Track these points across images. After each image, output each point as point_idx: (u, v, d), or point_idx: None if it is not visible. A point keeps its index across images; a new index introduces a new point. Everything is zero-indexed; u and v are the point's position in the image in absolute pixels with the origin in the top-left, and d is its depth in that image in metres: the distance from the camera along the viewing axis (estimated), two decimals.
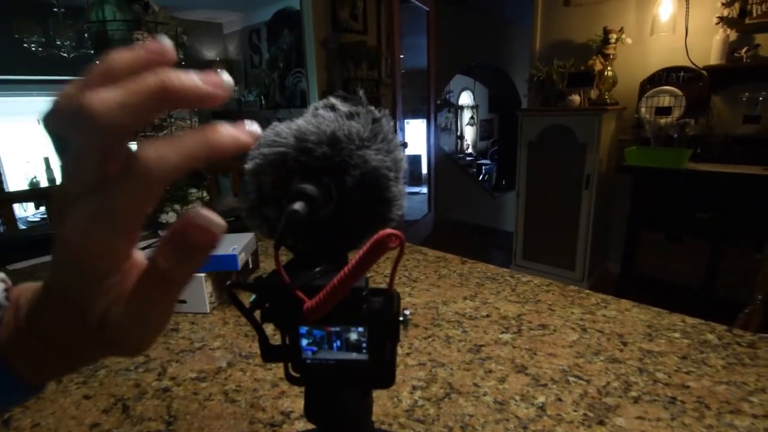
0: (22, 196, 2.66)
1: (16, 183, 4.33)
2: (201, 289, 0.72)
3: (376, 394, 0.50)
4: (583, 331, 0.64)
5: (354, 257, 0.22)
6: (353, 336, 0.27)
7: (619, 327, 0.65)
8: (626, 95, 2.75)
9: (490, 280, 0.83)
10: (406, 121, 4.66)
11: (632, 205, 2.52)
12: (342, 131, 0.25)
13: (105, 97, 0.16)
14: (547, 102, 2.93)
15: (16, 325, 0.23)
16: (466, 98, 8.39)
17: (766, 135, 2.27)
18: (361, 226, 0.27)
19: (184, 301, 0.73)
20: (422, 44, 4.31)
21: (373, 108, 0.28)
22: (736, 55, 2.27)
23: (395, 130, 0.29)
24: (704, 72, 2.42)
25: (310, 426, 0.31)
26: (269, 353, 0.29)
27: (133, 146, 0.18)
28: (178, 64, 0.18)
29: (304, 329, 0.27)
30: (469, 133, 8.61)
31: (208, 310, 0.73)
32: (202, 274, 0.72)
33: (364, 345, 0.27)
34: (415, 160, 6.12)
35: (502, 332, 0.65)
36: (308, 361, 0.28)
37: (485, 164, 8.05)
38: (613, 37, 2.59)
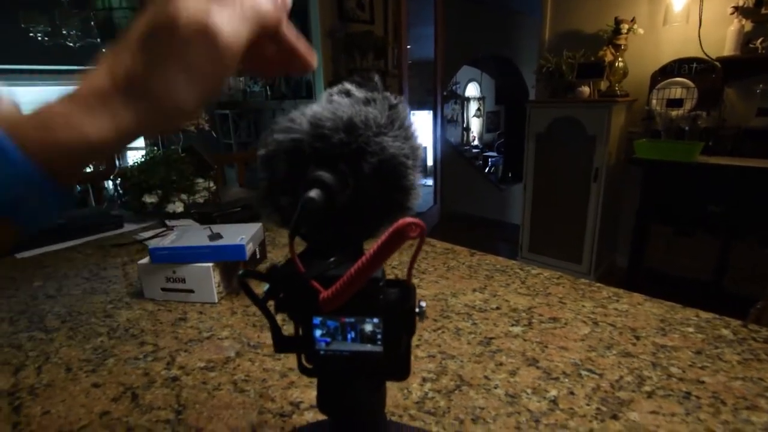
0: None
1: None
2: (209, 279, 0.72)
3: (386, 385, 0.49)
4: (595, 324, 0.64)
5: (372, 246, 0.21)
6: (368, 327, 0.26)
7: (631, 321, 0.64)
8: (637, 87, 2.70)
9: (500, 272, 0.83)
10: (412, 112, 4.63)
11: (642, 198, 2.49)
12: (359, 117, 0.24)
13: None
14: (556, 93, 2.89)
15: None
16: (472, 90, 8.32)
17: None
18: (377, 215, 0.26)
19: (192, 291, 0.73)
20: (429, 35, 4.26)
21: (389, 94, 0.28)
22: (751, 45, 2.22)
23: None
24: (717, 63, 2.37)
25: (320, 416, 0.31)
26: (282, 344, 0.29)
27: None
28: None
29: (317, 320, 0.26)
30: (476, 125, 8.54)
31: (216, 300, 0.73)
32: (210, 264, 0.71)
33: (379, 337, 0.26)
34: None
35: (513, 325, 0.64)
36: (322, 353, 0.27)
37: (491, 156, 8.00)
38: (625, 27, 2.54)
